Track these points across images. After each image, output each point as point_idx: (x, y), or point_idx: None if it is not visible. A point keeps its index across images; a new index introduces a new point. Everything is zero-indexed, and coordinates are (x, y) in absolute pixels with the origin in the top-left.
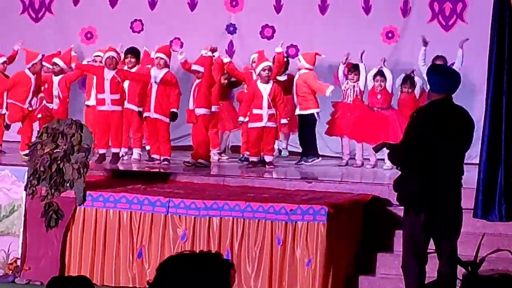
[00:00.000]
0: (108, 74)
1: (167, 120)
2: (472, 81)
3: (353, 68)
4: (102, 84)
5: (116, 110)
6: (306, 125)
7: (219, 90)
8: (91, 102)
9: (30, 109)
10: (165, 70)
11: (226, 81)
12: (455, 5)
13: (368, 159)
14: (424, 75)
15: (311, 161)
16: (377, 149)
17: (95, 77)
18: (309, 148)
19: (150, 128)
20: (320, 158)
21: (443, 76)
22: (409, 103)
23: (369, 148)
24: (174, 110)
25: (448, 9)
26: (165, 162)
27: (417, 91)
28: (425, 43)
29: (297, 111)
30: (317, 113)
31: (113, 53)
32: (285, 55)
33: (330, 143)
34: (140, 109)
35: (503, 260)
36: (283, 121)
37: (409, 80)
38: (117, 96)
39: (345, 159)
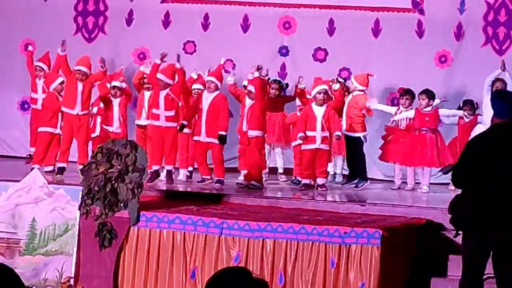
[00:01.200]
0: (162, 92)
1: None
2: None
3: (405, 93)
4: (157, 100)
5: (170, 127)
6: (353, 148)
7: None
8: (142, 121)
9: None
10: (216, 93)
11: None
12: (509, 29)
13: (419, 183)
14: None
15: (361, 186)
16: (445, 171)
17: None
18: (359, 172)
19: (199, 151)
20: (368, 182)
21: (506, 100)
22: (471, 129)
23: (419, 172)
24: (222, 132)
25: (502, 33)
26: (218, 184)
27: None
28: (504, 66)
29: (344, 132)
30: (364, 136)
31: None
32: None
33: (381, 166)
34: (184, 122)
35: None
36: (337, 133)
37: (469, 103)
38: (171, 113)
39: (398, 183)
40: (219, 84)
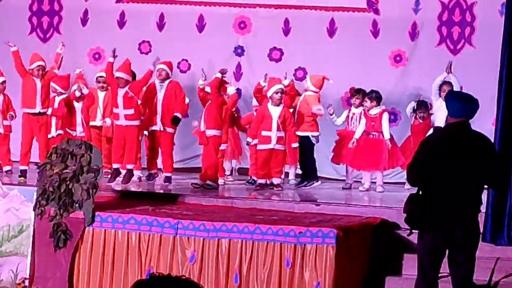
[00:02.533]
0: (121, 90)
1: (172, 131)
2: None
3: (355, 92)
4: (116, 99)
5: (130, 125)
6: (304, 148)
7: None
8: (97, 122)
9: None
10: (168, 81)
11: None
12: (463, 29)
13: (375, 182)
14: (434, 98)
15: (309, 185)
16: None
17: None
18: (308, 172)
19: (152, 141)
20: (319, 182)
21: (464, 101)
22: (424, 131)
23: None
24: (177, 114)
25: (456, 33)
26: (167, 183)
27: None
28: (449, 69)
29: (297, 133)
30: (314, 136)
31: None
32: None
33: (337, 166)
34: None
35: None
36: (294, 145)
37: (423, 105)
38: (131, 111)
39: (350, 182)
40: (170, 72)
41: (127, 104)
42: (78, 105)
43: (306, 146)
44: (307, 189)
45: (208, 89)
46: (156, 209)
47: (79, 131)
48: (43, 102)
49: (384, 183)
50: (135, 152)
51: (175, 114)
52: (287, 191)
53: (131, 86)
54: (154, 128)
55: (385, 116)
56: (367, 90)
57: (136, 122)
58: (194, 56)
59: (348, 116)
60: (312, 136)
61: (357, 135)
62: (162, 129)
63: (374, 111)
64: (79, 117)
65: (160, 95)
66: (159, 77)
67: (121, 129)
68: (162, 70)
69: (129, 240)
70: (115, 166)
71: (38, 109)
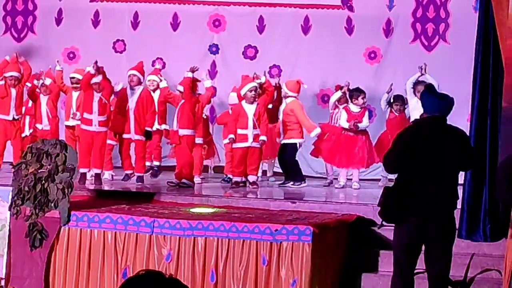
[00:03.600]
0: (96, 96)
1: (143, 138)
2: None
3: (342, 89)
4: (90, 104)
5: (101, 131)
6: (287, 152)
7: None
8: (70, 122)
9: None
10: (140, 88)
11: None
12: (437, 25)
13: (351, 179)
14: (409, 98)
15: (298, 185)
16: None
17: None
18: (294, 173)
19: (126, 147)
20: (306, 182)
21: (439, 97)
22: (400, 124)
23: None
24: (148, 129)
25: (430, 30)
26: (140, 182)
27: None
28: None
29: (282, 140)
30: (299, 143)
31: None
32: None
33: (312, 164)
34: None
35: (489, 280)
36: (262, 137)
37: (400, 98)
38: (104, 118)
39: (330, 178)
40: (141, 77)
41: (101, 110)
42: (44, 98)
43: (292, 151)
44: (293, 188)
45: (180, 88)
46: (132, 207)
47: (44, 123)
48: (17, 108)
49: (360, 179)
50: (103, 156)
51: (146, 128)
52: (263, 189)
53: (104, 92)
54: (126, 136)
55: (367, 113)
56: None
57: (106, 128)
58: (168, 54)
59: (332, 113)
60: (299, 143)
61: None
62: (134, 138)
63: (356, 109)
64: (44, 110)
65: (132, 102)
66: (131, 83)
67: (92, 134)
68: (134, 76)
69: (105, 239)
70: (82, 170)
71: (11, 116)
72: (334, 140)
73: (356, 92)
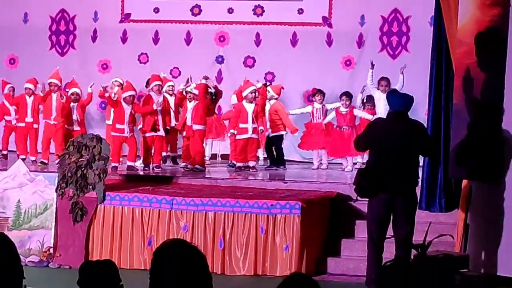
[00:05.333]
0: (127, 109)
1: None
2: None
3: (318, 92)
4: (122, 116)
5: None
6: (275, 143)
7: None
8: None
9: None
10: (161, 96)
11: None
12: (400, 38)
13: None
14: (371, 92)
15: (282, 169)
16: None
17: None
18: (279, 160)
19: (159, 143)
20: (286, 167)
21: (402, 96)
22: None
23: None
24: (167, 127)
25: (395, 42)
26: (158, 169)
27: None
28: (372, 66)
29: (270, 133)
30: (284, 134)
31: (132, 92)
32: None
33: (300, 151)
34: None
35: (444, 243)
36: (261, 127)
37: (372, 98)
38: (131, 126)
39: (316, 164)
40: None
41: (130, 121)
42: (74, 105)
43: (279, 141)
44: (275, 171)
45: (195, 91)
46: (155, 189)
47: (75, 126)
48: (58, 113)
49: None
50: (135, 153)
51: (166, 127)
52: (261, 172)
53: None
54: (149, 134)
55: (355, 111)
56: (324, 89)
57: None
58: (183, 64)
59: (312, 112)
60: (283, 134)
61: (325, 121)
62: (157, 134)
63: (344, 110)
64: (75, 115)
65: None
66: (157, 93)
67: (124, 139)
68: (159, 86)
69: (134, 214)
70: (113, 165)
71: (52, 119)
72: (317, 131)
73: (344, 96)
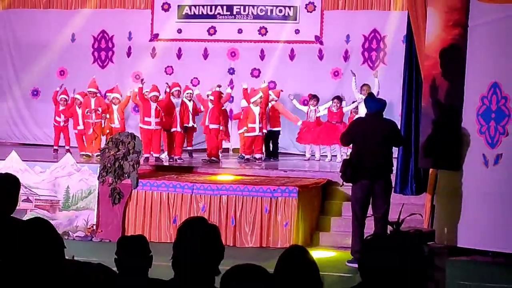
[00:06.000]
0: (153, 105)
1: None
2: (390, 102)
3: (313, 97)
4: (149, 110)
5: (157, 129)
6: (272, 137)
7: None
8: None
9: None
10: (180, 99)
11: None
12: (378, 53)
13: (326, 155)
14: (356, 96)
15: (274, 160)
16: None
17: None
18: (274, 153)
19: (171, 139)
20: (278, 159)
21: (376, 101)
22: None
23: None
24: (186, 125)
25: (374, 56)
26: (181, 160)
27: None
28: (354, 74)
29: (269, 128)
30: (280, 130)
31: (156, 93)
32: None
33: (297, 145)
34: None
35: (415, 221)
36: (265, 130)
37: (337, 98)
38: (158, 120)
39: (308, 155)
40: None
41: (156, 114)
42: (115, 107)
43: (275, 136)
44: (274, 162)
45: (211, 97)
46: (179, 176)
47: (116, 124)
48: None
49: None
50: (159, 146)
51: (185, 125)
52: (265, 163)
53: (159, 102)
54: (174, 129)
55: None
56: (318, 95)
57: (160, 127)
58: (201, 75)
59: (307, 112)
60: (279, 130)
61: (318, 114)
62: (177, 130)
63: (335, 109)
64: (115, 114)
65: (177, 107)
66: (176, 95)
67: (151, 132)
68: (179, 92)
69: (161, 198)
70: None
71: (93, 119)
72: (314, 129)
73: (335, 99)
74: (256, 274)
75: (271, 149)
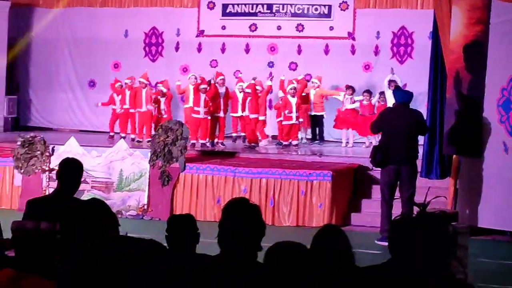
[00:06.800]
0: (202, 96)
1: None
2: (416, 93)
3: (349, 87)
4: (198, 100)
5: (205, 118)
6: (317, 122)
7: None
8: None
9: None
10: (224, 87)
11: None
12: (406, 48)
13: (361, 142)
14: (384, 90)
15: (321, 144)
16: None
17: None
18: (320, 136)
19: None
20: (324, 142)
21: (404, 92)
22: (383, 108)
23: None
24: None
25: (402, 51)
26: (223, 146)
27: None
28: (392, 71)
29: (312, 113)
30: (323, 114)
31: (205, 85)
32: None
33: (332, 133)
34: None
35: (440, 203)
36: (300, 119)
37: (383, 94)
38: (206, 109)
39: (344, 142)
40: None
41: (206, 105)
42: (163, 99)
43: (320, 120)
44: (320, 146)
45: (248, 90)
46: (222, 161)
47: (163, 113)
48: (147, 103)
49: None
50: (207, 132)
51: (232, 114)
52: (301, 148)
53: (208, 93)
54: (217, 115)
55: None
56: (355, 87)
57: (208, 116)
58: (243, 68)
59: (343, 101)
60: (323, 114)
61: (351, 106)
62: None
63: (366, 102)
64: (163, 106)
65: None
66: (220, 85)
67: (200, 120)
68: (222, 80)
69: (207, 180)
70: (192, 142)
71: (144, 108)
72: (348, 116)
73: (365, 92)
74: (297, 250)
75: (317, 133)
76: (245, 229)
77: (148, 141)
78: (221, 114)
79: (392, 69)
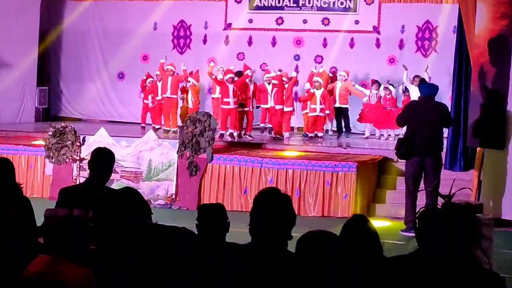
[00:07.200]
0: (230, 86)
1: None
2: (441, 86)
3: (375, 82)
4: (227, 91)
5: (234, 108)
6: (343, 114)
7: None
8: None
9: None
10: (252, 83)
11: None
12: (431, 42)
13: (383, 135)
14: (407, 86)
15: (348, 136)
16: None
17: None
18: (347, 127)
19: (242, 117)
20: (350, 134)
21: (429, 86)
22: (407, 101)
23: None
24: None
25: (426, 45)
26: (251, 137)
27: (395, 94)
28: (406, 68)
29: (337, 105)
30: (348, 107)
31: (231, 75)
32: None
33: (357, 125)
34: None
35: (464, 195)
36: (327, 112)
37: (407, 89)
38: (235, 99)
39: (367, 134)
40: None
41: (234, 95)
42: (190, 90)
43: (345, 112)
44: (347, 138)
45: (274, 81)
46: (249, 152)
47: (190, 104)
48: (172, 90)
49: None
50: (237, 123)
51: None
52: (326, 140)
53: (235, 83)
54: (247, 109)
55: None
56: (380, 81)
57: (236, 106)
58: (270, 61)
59: (369, 95)
60: (347, 107)
61: (372, 101)
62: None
63: (389, 95)
64: (190, 97)
65: (251, 87)
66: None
67: (229, 110)
68: (251, 71)
69: (234, 171)
70: (221, 132)
71: (168, 94)
72: (373, 111)
73: (386, 88)
74: (328, 239)
75: (343, 125)
76: (276, 218)
77: (174, 132)
78: (250, 108)
79: (404, 65)
